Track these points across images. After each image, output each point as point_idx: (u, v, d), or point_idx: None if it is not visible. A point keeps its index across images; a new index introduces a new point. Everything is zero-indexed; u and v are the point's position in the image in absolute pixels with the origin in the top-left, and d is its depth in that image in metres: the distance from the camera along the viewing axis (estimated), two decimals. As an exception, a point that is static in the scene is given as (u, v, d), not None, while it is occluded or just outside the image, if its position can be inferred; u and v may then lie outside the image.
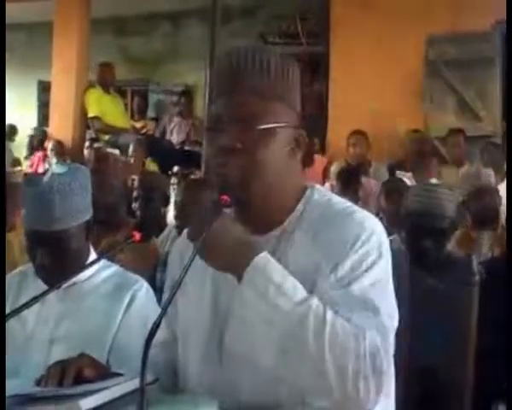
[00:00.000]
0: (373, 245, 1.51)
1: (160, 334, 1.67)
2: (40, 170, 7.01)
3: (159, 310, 2.27)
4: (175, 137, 8.15)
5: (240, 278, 1.46)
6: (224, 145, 1.55)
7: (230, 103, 1.57)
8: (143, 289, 2.27)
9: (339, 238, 1.50)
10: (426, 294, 2.16)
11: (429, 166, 5.80)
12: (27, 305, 1.60)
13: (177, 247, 1.81)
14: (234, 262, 1.48)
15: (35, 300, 1.61)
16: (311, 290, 1.46)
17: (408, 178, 5.64)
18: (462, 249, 4.10)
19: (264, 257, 1.47)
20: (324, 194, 1.65)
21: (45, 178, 2.13)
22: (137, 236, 1.58)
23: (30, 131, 9.88)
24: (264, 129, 1.54)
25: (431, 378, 2.55)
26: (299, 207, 1.61)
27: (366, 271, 1.48)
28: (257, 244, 1.51)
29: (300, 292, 1.44)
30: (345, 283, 1.47)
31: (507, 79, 4.35)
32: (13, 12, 9.59)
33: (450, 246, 3.77)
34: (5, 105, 4.43)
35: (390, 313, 1.50)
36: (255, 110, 1.54)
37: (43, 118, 9.42)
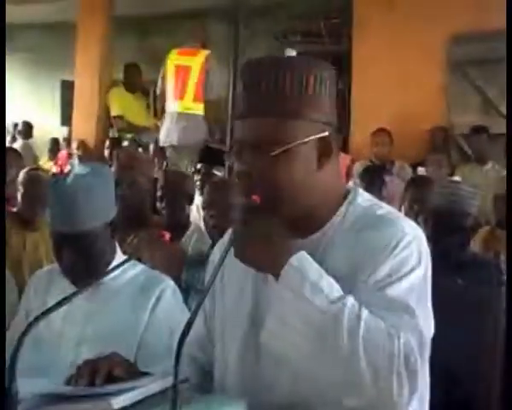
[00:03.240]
0: (413, 251, 1.51)
1: (196, 332, 1.69)
2: (66, 169, 7.05)
3: (185, 309, 2.31)
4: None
5: (277, 277, 1.47)
6: (239, 171, 1.57)
7: (243, 128, 1.57)
8: (170, 288, 2.28)
9: (379, 242, 1.51)
10: (455, 294, 2.14)
11: (441, 162, 5.79)
12: (56, 307, 1.60)
13: (218, 247, 1.81)
14: (271, 262, 1.49)
15: (64, 301, 1.62)
16: (349, 293, 1.47)
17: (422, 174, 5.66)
18: (487, 248, 4.07)
19: (301, 256, 1.48)
20: (367, 198, 1.64)
21: (68, 180, 2.14)
22: (167, 236, 1.59)
23: (52, 131, 9.94)
24: (278, 153, 1.52)
25: (458, 383, 2.53)
26: (342, 210, 1.61)
27: (405, 276, 1.49)
28: (295, 244, 1.52)
29: (336, 291, 1.46)
30: (382, 285, 1.48)
31: (507, 78, 4.32)
32: (37, 12, 9.70)
33: (476, 245, 3.75)
34: (5, 105, 4.45)
35: (426, 318, 1.50)
36: (267, 134, 1.52)
37: (67, 118, 9.46)
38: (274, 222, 1.55)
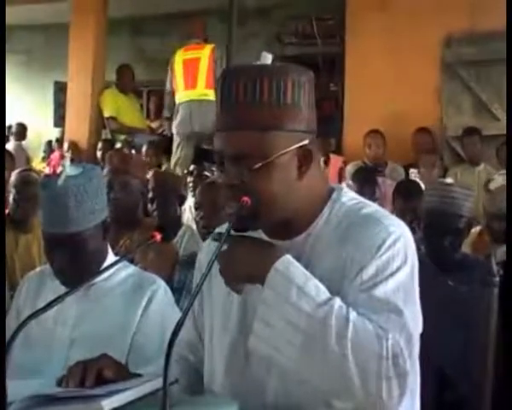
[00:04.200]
0: (399, 250, 1.50)
1: (185, 334, 1.68)
2: (58, 170, 7.04)
3: (177, 310, 2.31)
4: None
5: (263, 282, 1.47)
6: (224, 182, 1.56)
7: (222, 140, 1.55)
8: (161, 289, 2.28)
9: (365, 242, 1.50)
10: (446, 295, 2.15)
11: (433, 162, 5.80)
12: (47, 307, 1.59)
13: (205, 247, 1.81)
14: (257, 272, 1.49)
15: (55, 302, 1.61)
16: (336, 294, 1.46)
17: (414, 175, 5.66)
18: (476, 251, 4.07)
19: (285, 260, 1.48)
20: (352, 197, 1.63)
21: (59, 181, 2.12)
22: (158, 236, 1.58)
23: (45, 132, 9.94)
24: (259, 166, 1.50)
25: (449, 382, 2.55)
26: (325, 210, 1.60)
27: (391, 275, 1.48)
28: (280, 248, 1.52)
29: (323, 293, 1.45)
30: (369, 286, 1.47)
31: (507, 79, 4.33)
32: (30, 13, 9.69)
33: (465, 247, 3.74)
34: (5, 105, 4.47)
35: (414, 317, 1.49)
36: (245, 148, 1.50)
37: (60, 118, 9.46)
38: (255, 233, 1.55)
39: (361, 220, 1.54)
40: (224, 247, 1.51)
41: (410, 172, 5.99)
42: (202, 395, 1.72)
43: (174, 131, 7.03)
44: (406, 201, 4.36)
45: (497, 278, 2.06)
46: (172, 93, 7.15)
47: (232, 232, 1.51)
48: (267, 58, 1.63)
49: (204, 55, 6.92)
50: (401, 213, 4.23)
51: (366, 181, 5.20)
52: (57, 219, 2.13)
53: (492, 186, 4.96)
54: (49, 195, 2.15)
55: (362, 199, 1.64)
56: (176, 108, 7.04)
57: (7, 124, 10.01)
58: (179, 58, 7.08)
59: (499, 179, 5.24)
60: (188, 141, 6.92)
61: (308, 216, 1.59)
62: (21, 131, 9.97)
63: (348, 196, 1.63)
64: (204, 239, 3.38)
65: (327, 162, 6.06)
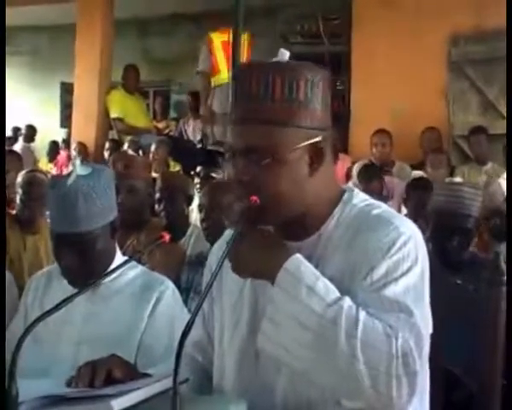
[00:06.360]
0: (409, 251, 1.50)
1: (194, 334, 1.68)
2: (65, 170, 7.06)
3: (185, 311, 2.31)
4: (192, 139, 8.17)
5: (273, 281, 1.47)
6: (234, 177, 1.56)
7: (234, 134, 1.56)
8: (169, 289, 2.27)
9: (375, 243, 1.50)
10: (454, 294, 2.15)
11: (440, 162, 5.79)
12: (55, 309, 1.59)
13: (216, 249, 1.80)
14: (267, 267, 1.49)
15: (64, 303, 1.61)
16: (346, 294, 1.46)
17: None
18: (480, 250, 4.05)
19: (295, 259, 1.48)
20: (364, 198, 1.63)
21: (69, 181, 2.12)
22: (167, 237, 1.58)
23: (52, 133, 9.97)
24: (269, 161, 1.50)
25: (457, 382, 2.54)
26: (336, 211, 1.60)
27: (401, 276, 1.48)
28: (290, 248, 1.52)
29: (332, 293, 1.45)
30: (379, 286, 1.47)
31: (507, 78, 4.30)
32: (34, 14, 9.71)
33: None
34: (5, 105, 4.48)
35: (424, 317, 1.49)
36: (256, 142, 1.51)
37: (66, 119, 9.48)
38: (267, 229, 1.55)
39: (371, 221, 1.55)
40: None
41: (414, 173, 5.96)
42: (211, 394, 1.72)
43: (216, 105, 7.19)
44: (423, 194, 4.32)
45: (505, 277, 2.06)
46: (207, 74, 7.23)
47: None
48: (284, 55, 1.63)
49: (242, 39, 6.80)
50: (417, 208, 4.22)
51: (372, 178, 5.19)
52: (66, 219, 2.13)
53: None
54: (58, 194, 2.15)
55: (372, 200, 1.64)
56: (213, 90, 7.15)
57: (14, 125, 10.06)
58: (217, 40, 7.15)
59: (482, 179, 5.22)
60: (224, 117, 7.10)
61: (319, 217, 1.59)
62: (31, 133, 10.01)
63: (359, 197, 1.63)
64: (207, 240, 3.38)
65: (335, 160, 6.05)
